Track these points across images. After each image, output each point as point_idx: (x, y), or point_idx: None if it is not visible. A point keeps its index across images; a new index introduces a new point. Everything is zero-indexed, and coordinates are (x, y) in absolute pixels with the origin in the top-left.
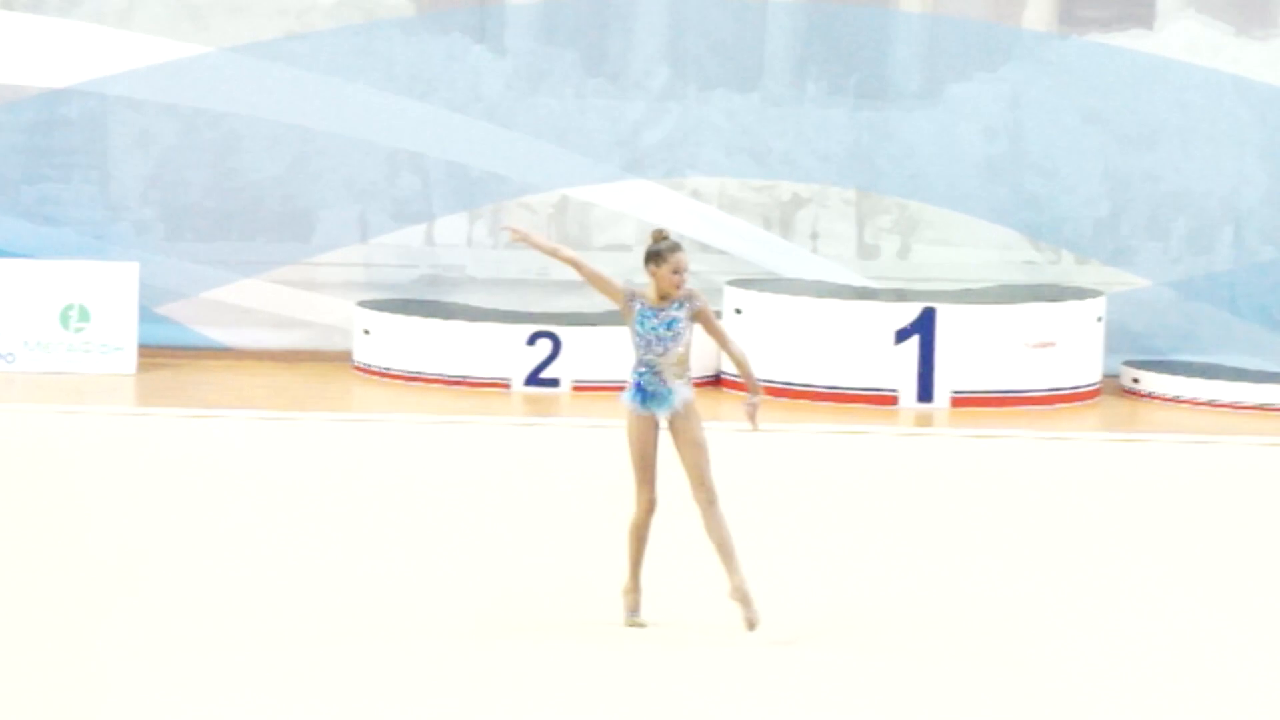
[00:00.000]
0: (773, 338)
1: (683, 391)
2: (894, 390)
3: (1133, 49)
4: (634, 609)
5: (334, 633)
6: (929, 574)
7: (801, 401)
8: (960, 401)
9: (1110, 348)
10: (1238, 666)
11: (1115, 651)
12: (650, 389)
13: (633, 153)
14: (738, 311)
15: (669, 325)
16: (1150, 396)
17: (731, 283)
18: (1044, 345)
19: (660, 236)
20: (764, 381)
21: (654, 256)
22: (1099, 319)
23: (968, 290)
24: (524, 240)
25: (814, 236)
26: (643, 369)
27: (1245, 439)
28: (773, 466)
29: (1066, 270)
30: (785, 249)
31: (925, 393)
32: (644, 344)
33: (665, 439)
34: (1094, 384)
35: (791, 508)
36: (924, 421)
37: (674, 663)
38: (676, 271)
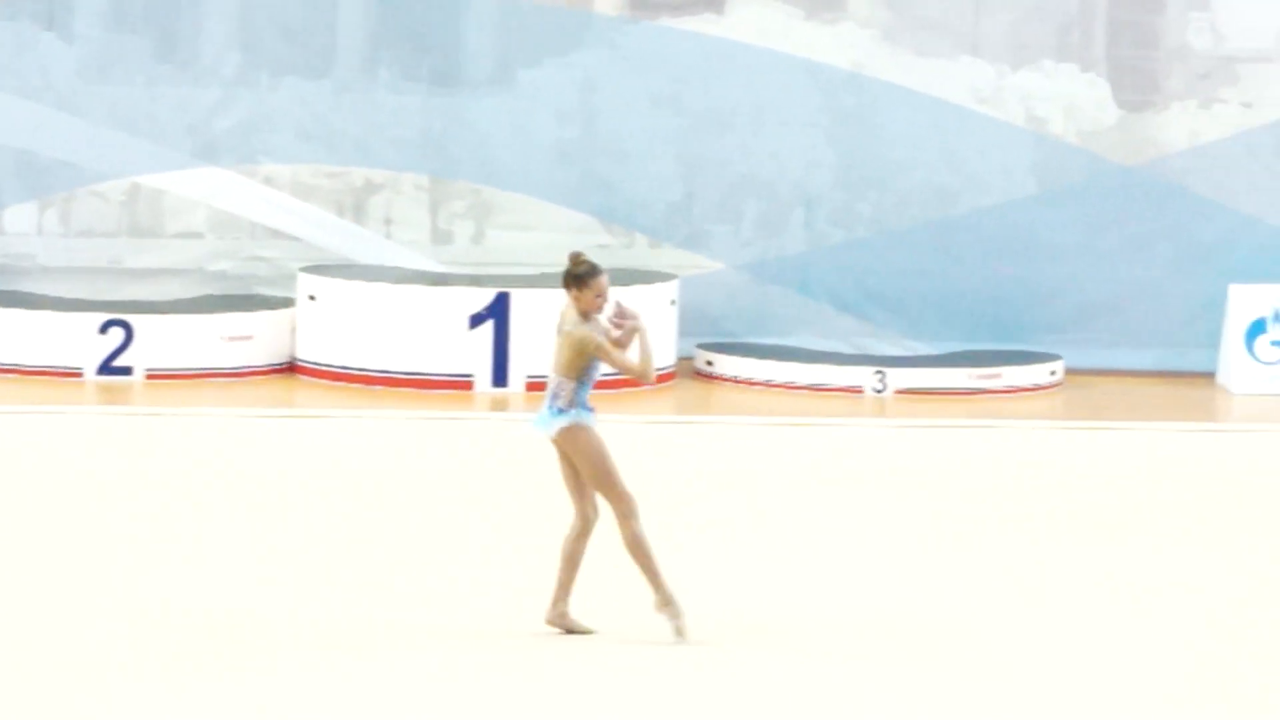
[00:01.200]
0: (347, 324)
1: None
2: (469, 375)
3: (703, 33)
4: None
5: None
6: (533, 565)
7: (378, 388)
8: (535, 386)
9: (684, 331)
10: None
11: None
12: (590, 406)
13: (204, 140)
14: (311, 298)
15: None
16: (724, 379)
17: (305, 269)
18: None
19: (579, 260)
20: (341, 368)
21: (576, 280)
22: (672, 302)
23: (543, 275)
24: (632, 333)
25: (388, 222)
26: (584, 391)
27: (818, 420)
28: (352, 453)
29: (640, 254)
30: (359, 235)
31: (500, 377)
32: (590, 377)
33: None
34: (668, 367)
35: (364, 494)
36: (500, 406)
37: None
38: (600, 295)
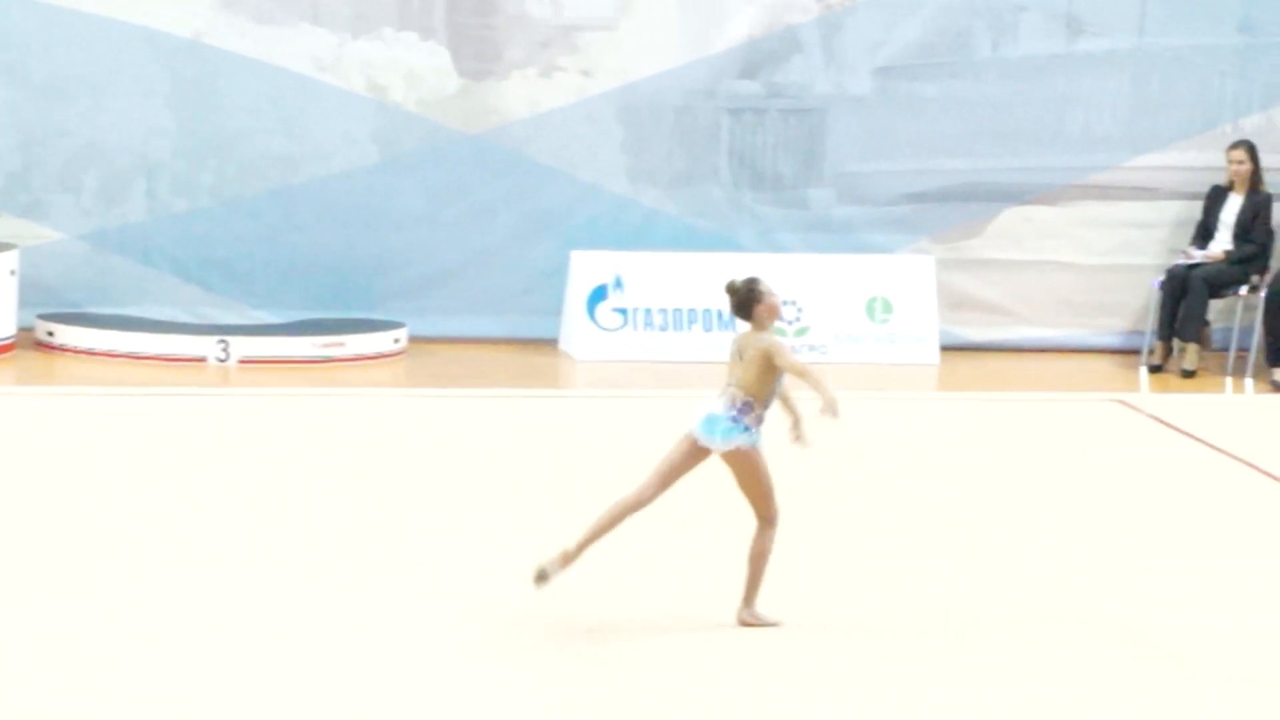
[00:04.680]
0: None
1: None
2: None
3: (41, 1)
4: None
5: None
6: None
7: None
8: None
9: (24, 301)
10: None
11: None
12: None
13: None
14: None
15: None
16: (66, 349)
17: None
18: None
19: (741, 284)
20: None
21: (755, 298)
22: (12, 272)
23: None
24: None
25: None
26: (766, 413)
27: (161, 391)
28: None
29: None
30: None
31: None
32: (774, 396)
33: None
34: (8, 338)
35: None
36: None
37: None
38: (774, 304)
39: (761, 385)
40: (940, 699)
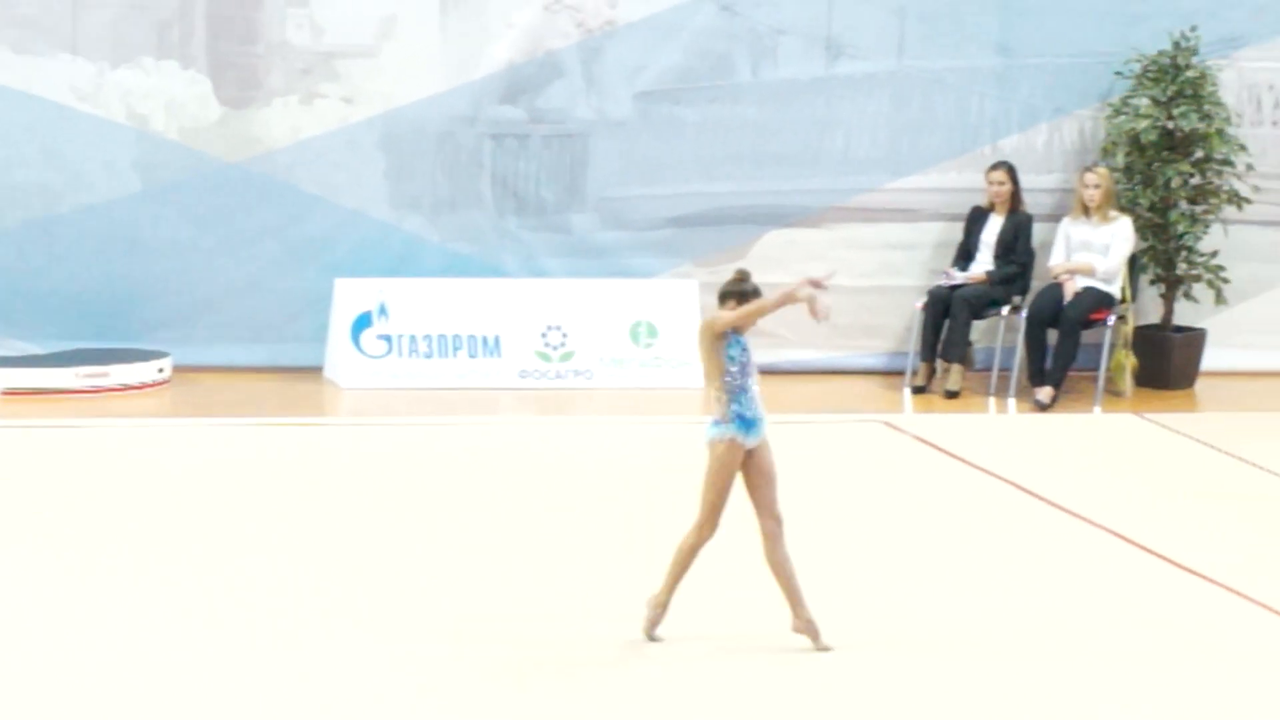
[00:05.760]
0: None
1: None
2: None
3: None
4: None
5: None
6: None
7: None
8: None
9: None
10: None
11: None
12: (753, 417)
13: None
14: None
15: (745, 347)
16: None
17: None
18: None
19: (743, 277)
20: None
21: (740, 297)
22: None
23: None
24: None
25: None
26: (744, 396)
27: None
28: None
29: None
30: None
31: None
32: (744, 372)
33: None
34: None
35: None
36: None
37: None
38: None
39: (713, 366)
40: None
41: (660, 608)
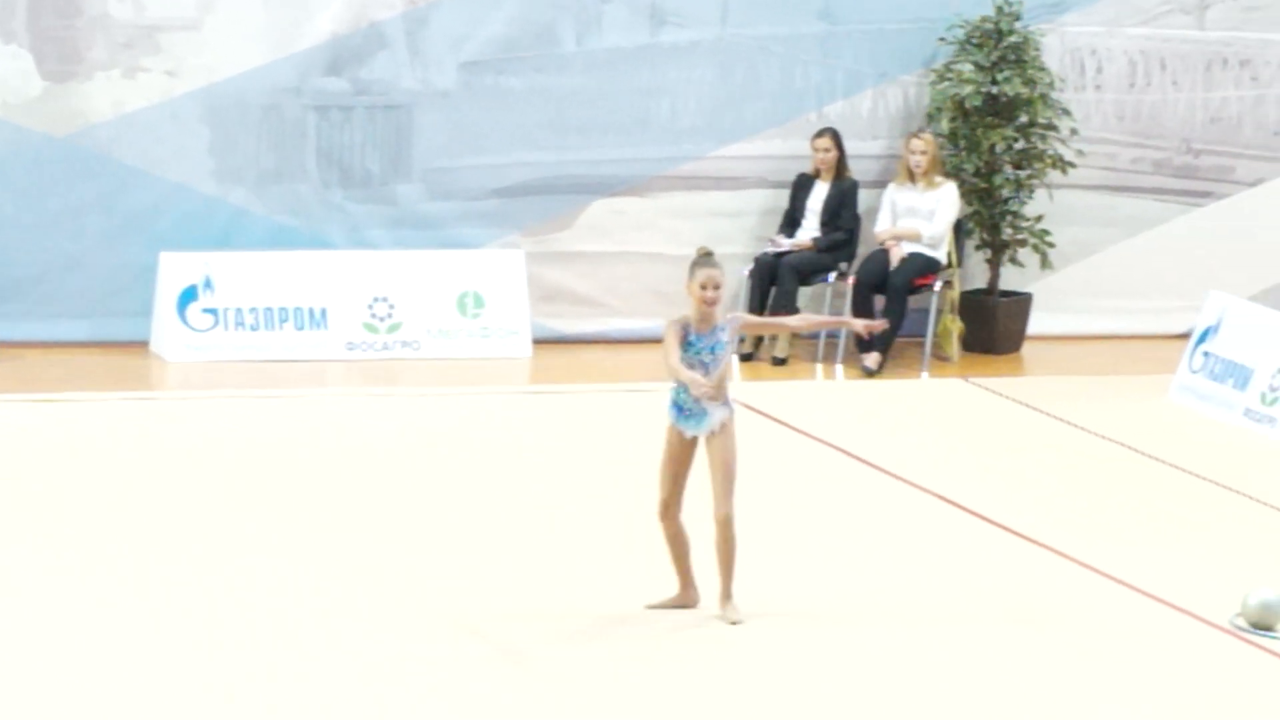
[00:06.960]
0: None
1: (719, 412)
2: None
3: None
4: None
5: None
6: None
7: None
8: None
9: None
10: None
11: None
12: (686, 408)
13: None
14: None
15: (712, 349)
16: None
17: None
18: None
19: (705, 252)
20: None
21: (691, 269)
22: None
23: None
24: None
25: None
26: (680, 388)
27: None
28: None
29: None
30: None
31: None
32: (690, 365)
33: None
34: None
35: None
36: None
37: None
38: (704, 287)
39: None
40: None
41: (689, 593)
